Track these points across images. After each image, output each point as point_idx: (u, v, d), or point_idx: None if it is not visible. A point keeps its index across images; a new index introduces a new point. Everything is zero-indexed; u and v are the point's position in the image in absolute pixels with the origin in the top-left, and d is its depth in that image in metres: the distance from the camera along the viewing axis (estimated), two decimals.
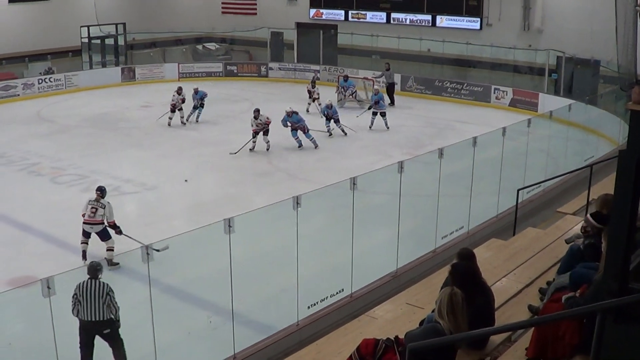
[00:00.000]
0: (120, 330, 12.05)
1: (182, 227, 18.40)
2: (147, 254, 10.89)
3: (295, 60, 44.21)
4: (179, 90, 31.10)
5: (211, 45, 48.75)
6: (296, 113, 27.99)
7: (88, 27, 44.37)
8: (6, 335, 12.88)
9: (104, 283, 11.76)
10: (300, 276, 13.24)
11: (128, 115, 34.20)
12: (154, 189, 23.20)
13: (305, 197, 13.11)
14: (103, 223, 17.30)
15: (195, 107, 32.20)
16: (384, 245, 16.41)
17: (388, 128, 29.98)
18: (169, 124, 30.91)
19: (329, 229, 16.25)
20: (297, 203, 12.82)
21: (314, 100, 32.94)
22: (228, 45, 49.06)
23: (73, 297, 11.61)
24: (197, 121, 32.18)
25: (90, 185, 23.14)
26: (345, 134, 29.41)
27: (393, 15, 40.98)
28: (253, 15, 47.68)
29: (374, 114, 30.07)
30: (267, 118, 27.07)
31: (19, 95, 38.71)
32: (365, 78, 36.51)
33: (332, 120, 29.44)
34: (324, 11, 44.04)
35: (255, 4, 47.69)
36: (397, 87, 36.70)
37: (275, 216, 14.56)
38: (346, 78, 35.58)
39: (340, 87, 35.50)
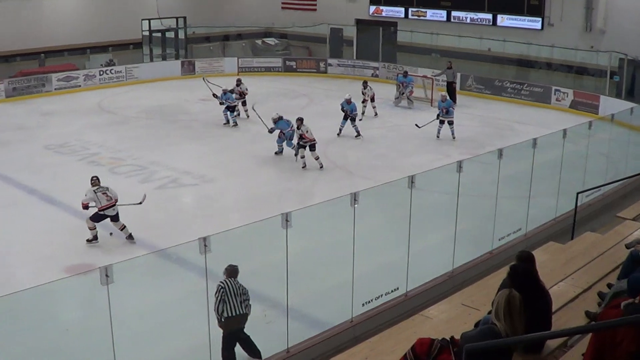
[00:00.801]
0: (176, 320, 12.17)
1: (239, 220, 18.50)
2: (205, 245, 10.95)
3: (354, 57, 44.17)
4: (238, 82, 31.14)
5: (271, 41, 48.88)
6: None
7: (149, 20, 44.80)
8: (63, 321, 13.03)
9: (242, 286, 12.46)
10: (356, 273, 13.23)
11: (187, 108, 34.46)
12: (212, 181, 23.33)
13: (363, 194, 13.11)
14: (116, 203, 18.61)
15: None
16: (440, 244, 16.34)
17: (454, 138, 28.44)
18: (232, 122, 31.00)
19: (386, 226, 16.20)
20: (355, 200, 12.80)
21: (364, 102, 32.42)
22: (287, 41, 49.13)
23: (220, 295, 12.22)
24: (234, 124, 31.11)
25: (148, 176, 23.45)
26: (358, 134, 28.80)
27: (453, 13, 40.71)
28: (313, 11, 47.68)
29: (442, 122, 28.43)
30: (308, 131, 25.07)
31: (80, 86, 39.21)
32: (424, 76, 36.34)
33: (350, 119, 28.81)
34: (384, 8, 43.90)
35: (316, 0, 47.70)
36: (457, 86, 36.47)
37: (333, 212, 14.56)
38: (406, 74, 35.31)
39: (399, 84, 35.32)
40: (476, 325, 8.96)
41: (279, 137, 26.07)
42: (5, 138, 28.18)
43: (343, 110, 28.69)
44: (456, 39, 39.90)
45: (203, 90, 33.78)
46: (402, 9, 42.84)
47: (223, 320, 12.32)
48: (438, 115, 28.37)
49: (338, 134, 28.85)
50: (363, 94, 31.99)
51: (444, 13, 41.01)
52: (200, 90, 33.96)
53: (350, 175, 23.94)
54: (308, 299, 14.05)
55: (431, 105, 33.47)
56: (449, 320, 10.97)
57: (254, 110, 29.10)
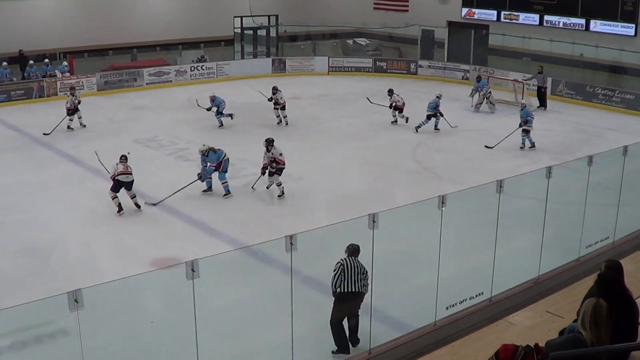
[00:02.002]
0: (259, 317, 12.27)
1: (325, 219, 18.63)
2: (291, 243, 11.02)
3: (445, 59, 43.88)
4: (274, 90, 30.97)
5: (362, 41, 48.88)
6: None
7: (241, 17, 45.19)
8: (148, 313, 13.24)
9: (362, 264, 12.80)
10: (441, 276, 13.20)
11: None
12: (300, 180, 23.46)
13: (451, 197, 13.07)
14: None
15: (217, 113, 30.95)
16: (527, 250, 16.17)
17: (522, 147, 27.71)
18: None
19: (472, 230, 16.11)
20: (443, 203, 12.78)
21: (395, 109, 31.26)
22: (378, 42, 49.09)
23: (339, 270, 12.72)
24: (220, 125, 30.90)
25: (235, 173, 23.64)
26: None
27: (546, 17, 40.21)
28: (405, 12, 47.58)
29: (525, 131, 27.67)
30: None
31: (171, 81, 39.82)
32: (515, 80, 35.97)
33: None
34: (476, 11, 43.62)
35: (408, 1, 47.58)
36: (547, 91, 36.04)
37: (419, 214, 14.55)
38: (479, 78, 35.05)
39: (474, 89, 35.06)
40: (561, 333, 8.88)
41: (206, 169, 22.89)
42: (96, 131, 28.67)
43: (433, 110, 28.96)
44: (548, 43, 39.41)
45: (292, 88, 34.07)
46: (495, 12, 42.49)
47: (336, 293, 12.80)
48: (520, 124, 27.87)
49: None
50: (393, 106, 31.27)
51: (536, 17, 40.54)
52: (289, 88, 34.14)
53: (437, 178, 23.85)
54: (392, 301, 14.05)
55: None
56: (533, 327, 10.90)
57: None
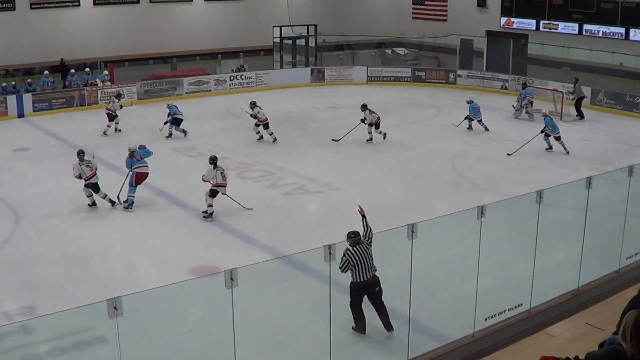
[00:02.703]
0: (297, 326, 12.29)
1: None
2: (330, 253, 11.04)
3: (484, 69, 43.75)
4: (252, 105, 29.52)
5: (400, 50, 48.86)
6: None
7: (280, 27, 45.39)
8: (187, 322, 13.30)
9: (366, 244, 13.59)
10: (480, 287, 13.15)
11: (316, 115, 34.75)
12: (338, 189, 23.45)
13: (490, 207, 13.03)
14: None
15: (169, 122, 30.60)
16: (566, 261, 16.07)
17: (548, 148, 28.29)
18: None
19: (511, 241, 16.03)
20: (482, 213, 12.74)
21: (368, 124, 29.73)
22: (417, 51, 49.05)
23: (345, 265, 13.20)
24: (168, 136, 30.46)
25: (275, 182, 23.76)
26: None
27: (585, 26, 39.93)
28: (443, 21, 47.53)
29: (547, 135, 28.20)
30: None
31: (210, 90, 40.08)
32: (554, 90, 35.78)
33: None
34: (515, 20, 43.43)
35: (446, 11, 47.52)
36: (587, 101, 35.84)
37: (458, 224, 14.49)
38: (525, 86, 34.92)
39: (519, 96, 34.96)
40: (601, 345, 8.81)
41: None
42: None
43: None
44: (587, 52, 39.20)
45: (332, 97, 34.10)
46: (534, 21, 42.29)
47: (351, 285, 13.38)
48: (542, 131, 28.21)
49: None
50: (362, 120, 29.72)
51: (575, 26, 40.28)
52: (328, 98, 34.21)
53: (476, 188, 23.76)
54: (430, 311, 14.01)
55: (561, 120, 32.98)
56: (573, 339, 10.85)
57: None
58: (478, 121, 31.43)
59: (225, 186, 21.16)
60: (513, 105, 34.85)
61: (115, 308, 9.43)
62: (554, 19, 41.25)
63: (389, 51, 49.11)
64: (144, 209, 21.59)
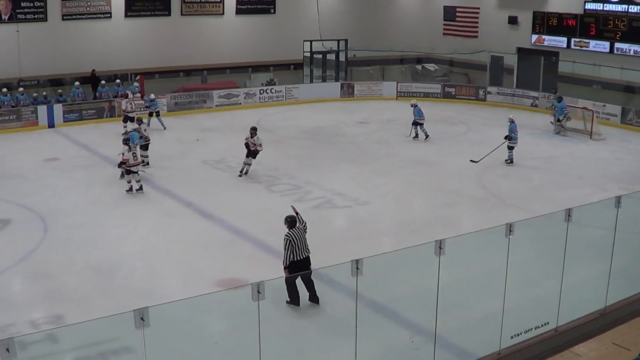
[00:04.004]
0: (323, 340, 12.27)
1: (389, 244, 18.68)
2: (357, 268, 11.03)
3: (514, 86, 43.59)
4: (139, 122, 28.65)
5: (430, 66, 48.81)
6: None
7: (311, 41, 45.40)
8: (213, 334, 13.31)
9: (302, 230, 15.78)
10: (506, 304, 13.10)
11: (345, 130, 34.74)
12: (366, 204, 23.43)
13: (518, 225, 12.99)
14: None
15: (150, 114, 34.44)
16: (593, 280, 15.98)
17: (508, 161, 28.61)
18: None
19: (538, 259, 15.92)
20: (510, 230, 12.70)
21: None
22: (447, 67, 48.99)
23: (288, 246, 15.41)
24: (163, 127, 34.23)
25: (302, 196, 23.78)
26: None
27: (617, 45, 39.63)
28: (474, 38, 47.44)
29: (509, 147, 28.65)
30: (260, 145, 26.26)
31: (240, 104, 40.21)
32: (584, 108, 35.57)
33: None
34: (546, 37, 43.20)
35: (477, 27, 47.42)
36: (616, 120, 35.73)
37: (486, 242, 14.43)
38: (560, 99, 34.73)
39: (553, 109, 34.90)
40: None
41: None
42: (165, 151, 28.96)
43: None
44: (618, 71, 38.98)
45: (361, 112, 34.10)
46: (565, 39, 42.06)
47: (288, 265, 15.33)
48: (505, 137, 28.73)
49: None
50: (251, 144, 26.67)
51: (607, 44, 40.03)
52: (358, 113, 34.17)
53: (503, 205, 23.68)
54: (456, 328, 13.95)
55: (590, 138, 32.84)
56: (599, 358, 10.81)
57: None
58: (420, 125, 32.31)
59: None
60: (552, 122, 34.71)
61: (142, 319, 9.48)
62: (585, 37, 41.01)
63: (419, 67, 49.09)
64: (171, 219, 21.67)
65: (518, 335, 13.58)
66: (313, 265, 15.95)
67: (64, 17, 38.84)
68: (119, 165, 24.78)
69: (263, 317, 10.52)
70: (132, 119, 31.51)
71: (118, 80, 38.28)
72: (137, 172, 24.25)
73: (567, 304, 14.15)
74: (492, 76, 45.62)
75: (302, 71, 46.47)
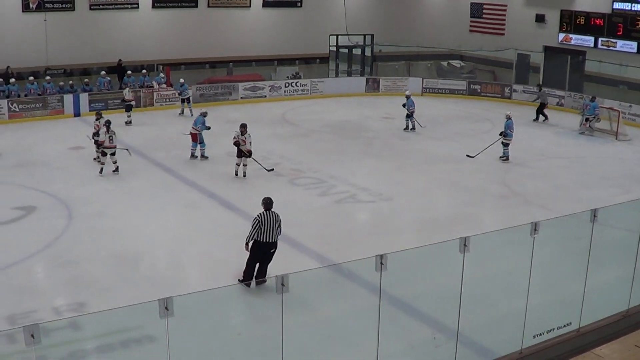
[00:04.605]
0: (345, 335, 12.28)
1: (412, 240, 18.68)
2: (381, 263, 11.02)
3: (540, 84, 43.40)
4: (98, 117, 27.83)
5: (456, 63, 48.73)
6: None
7: (337, 36, 45.46)
8: (236, 325, 13.35)
9: (276, 214, 16.40)
10: (529, 303, 13.07)
11: (369, 125, 34.75)
12: (390, 200, 23.43)
13: (543, 224, 12.95)
14: None
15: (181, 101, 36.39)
16: (617, 282, 15.90)
17: (503, 158, 28.63)
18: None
19: (562, 259, 15.87)
20: (535, 229, 12.66)
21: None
22: (473, 64, 48.87)
23: (255, 225, 16.07)
24: (191, 114, 35.16)
25: (326, 190, 23.78)
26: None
27: None
28: (501, 35, 47.27)
29: (504, 144, 28.73)
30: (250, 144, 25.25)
31: (265, 96, 40.34)
32: (611, 108, 35.40)
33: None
34: (573, 36, 43.01)
35: (504, 25, 47.25)
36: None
37: (509, 240, 14.41)
38: (594, 99, 34.62)
39: (584, 109, 34.76)
40: None
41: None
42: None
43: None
44: None
45: (386, 107, 34.10)
46: (592, 38, 41.84)
47: (253, 242, 16.05)
48: (500, 133, 28.85)
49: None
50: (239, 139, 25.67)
51: (634, 45, 39.76)
52: (383, 108, 34.13)
53: (527, 204, 23.60)
54: (478, 326, 13.92)
55: (616, 139, 32.70)
56: None
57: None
58: (411, 113, 33.10)
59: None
60: (584, 123, 34.48)
61: (166, 308, 9.51)
62: (612, 36, 40.81)
63: (445, 63, 49.02)
64: (195, 210, 21.74)
65: (540, 334, 13.54)
66: (335, 259, 15.98)
67: (92, 7, 38.97)
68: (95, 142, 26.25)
69: (286, 310, 10.54)
70: (130, 108, 33.30)
71: (144, 71, 38.41)
72: (113, 154, 25.33)
73: (590, 304, 14.10)
74: (518, 74, 45.49)
75: (328, 65, 46.57)
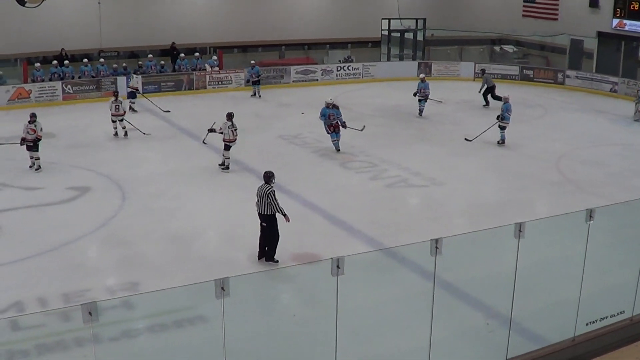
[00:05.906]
0: (398, 320, 12.30)
1: (464, 226, 18.70)
2: (436, 247, 11.02)
3: (594, 70, 42.99)
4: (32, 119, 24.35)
5: (509, 48, 48.44)
6: (337, 107, 27.26)
7: (389, 19, 45.43)
8: (291, 307, 13.42)
9: (268, 187, 17.10)
10: (583, 291, 13.01)
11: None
12: (442, 185, 23.40)
13: (597, 211, 12.87)
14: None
15: (253, 83, 37.05)
16: None
17: (499, 142, 28.53)
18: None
19: (616, 246, 15.76)
20: (590, 216, 12.59)
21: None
22: (526, 49, 48.52)
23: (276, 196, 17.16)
24: (259, 96, 36.74)
25: (378, 174, 23.82)
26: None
27: None
28: (554, 20, 46.78)
29: (501, 127, 28.51)
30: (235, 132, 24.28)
31: (317, 80, 40.44)
32: None
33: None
34: (628, 22, 42.38)
35: (557, 10, 46.74)
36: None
37: (564, 227, 14.29)
38: None
39: (637, 93, 34.39)
40: None
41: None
42: (242, 125, 29.16)
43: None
44: None
45: (437, 92, 34.02)
46: None
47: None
48: (497, 117, 28.64)
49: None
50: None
51: None
52: (434, 92, 33.93)
53: (580, 191, 23.42)
54: (531, 313, 13.87)
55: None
56: None
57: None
58: (425, 97, 32.94)
59: (234, 141, 24.22)
60: (639, 111, 34.07)
61: (222, 288, 9.59)
62: None
63: (497, 48, 48.75)
64: (245, 192, 21.80)
65: (593, 322, 13.47)
66: (387, 243, 15.99)
67: None
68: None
69: (341, 293, 10.58)
70: (134, 95, 33.29)
71: (197, 54, 38.75)
72: (122, 120, 28.28)
73: None
74: (571, 60, 45.06)
75: (380, 49, 46.54)
